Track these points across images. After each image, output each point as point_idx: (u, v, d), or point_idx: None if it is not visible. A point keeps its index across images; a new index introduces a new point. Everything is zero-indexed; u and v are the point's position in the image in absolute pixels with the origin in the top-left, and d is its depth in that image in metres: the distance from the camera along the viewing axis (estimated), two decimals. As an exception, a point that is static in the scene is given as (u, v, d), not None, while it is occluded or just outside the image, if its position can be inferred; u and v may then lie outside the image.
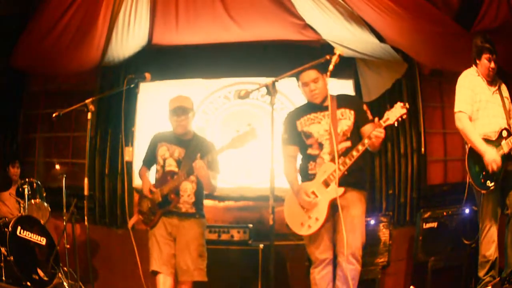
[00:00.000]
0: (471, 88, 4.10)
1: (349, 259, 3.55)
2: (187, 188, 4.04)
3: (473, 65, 4.20)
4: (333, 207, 3.59)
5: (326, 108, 3.71)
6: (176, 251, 3.99)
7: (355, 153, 3.55)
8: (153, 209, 4.05)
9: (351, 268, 3.56)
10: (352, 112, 3.74)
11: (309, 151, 3.76)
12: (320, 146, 3.70)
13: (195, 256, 3.97)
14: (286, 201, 3.82)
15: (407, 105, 3.52)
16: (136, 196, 5.47)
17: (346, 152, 3.61)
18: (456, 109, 4.14)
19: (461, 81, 4.19)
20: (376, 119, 3.58)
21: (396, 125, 3.55)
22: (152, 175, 4.26)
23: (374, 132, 3.49)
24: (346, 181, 3.60)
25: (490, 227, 4.00)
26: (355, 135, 3.71)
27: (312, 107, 3.77)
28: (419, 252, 4.86)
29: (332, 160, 3.60)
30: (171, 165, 4.07)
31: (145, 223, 4.11)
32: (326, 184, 3.60)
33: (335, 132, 3.63)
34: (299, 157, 3.89)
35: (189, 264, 3.95)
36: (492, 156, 3.93)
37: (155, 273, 3.97)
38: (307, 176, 3.75)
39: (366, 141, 3.53)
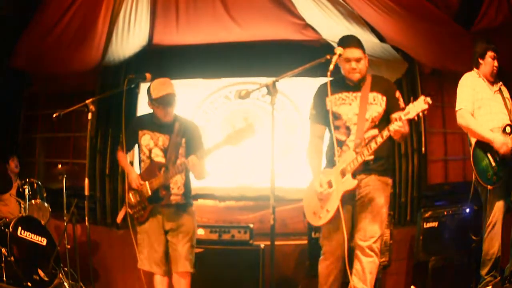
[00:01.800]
0: (472, 87, 4.14)
1: (367, 252, 3.44)
2: (177, 181, 3.91)
3: (474, 68, 4.23)
4: (349, 198, 3.46)
5: (358, 89, 3.56)
6: (169, 243, 3.91)
7: (373, 145, 3.37)
8: (143, 204, 3.91)
9: (369, 260, 3.45)
10: (384, 98, 3.56)
11: (336, 134, 3.56)
12: (348, 130, 3.53)
13: (188, 247, 3.89)
14: (308, 187, 3.66)
15: (429, 100, 3.26)
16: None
17: (372, 141, 3.43)
18: (457, 107, 4.16)
19: (463, 82, 4.23)
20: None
21: (416, 119, 3.34)
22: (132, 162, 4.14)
23: (393, 126, 3.30)
24: (369, 167, 3.47)
25: (495, 224, 4.01)
26: (384, 123, 3.52)
27: (345, 85, 3.55)
28: (420, 252, 4.85)
29: (355, 148, 3.45)
30: (158, 155, 3.91)
31: (135, 218, 3.96)
32: (343, 174, 3.46)
33: (363, 118, 3.48)
34: (326, 139, 3.71)
35: (181, 254, 3.86)
36: (501, 140, 3.95)
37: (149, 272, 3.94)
38: (332, 162, 3.57)
39: (385, 133, 3.35)
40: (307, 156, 3.70)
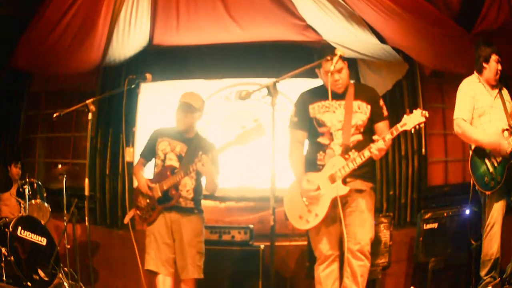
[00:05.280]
0: (472, 95, 4.13)
1: (358, 255, 3.47)
2: (187, 184, 4.01)
3: (475, 72, 4.22)
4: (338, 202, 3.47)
5: (342, 97, 3.59)
6: (175, 248, 3.97)
7: (366, 153, 3.42)
8: (152, 205, 4.02)
9: (359, 264, 3.48)
10: (369, 106, 3.61)
11: (320, 139, 3.62)
12: (331, 136, 3.58)
13: (194, 253, 3.95)
14: (288, 190, 3.70)
15: (426, 114, 3.37)
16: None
17: (357, 146, 3.50)
18: (455, 115, 4.16)
19: (462, 88, 4.22)
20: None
21: (412, 132, 3.41)
22: (148, 169, 4.24)
23: (388, 136, 3.38)
24: (355, 173, 3.50)
25: (493, 226, 4.02)
26: (368, 130, 3.61)
27: (328, 93, 3.49)
28: (420, 253, 4.85)
29: (343, 153, 3.49)
30: (172, 159, 4.04)
31: (143, 219, 4.07)
32: (332, 179, 3.49)
33: (348, 124, 3.52)
34: (306, 144, 3.76)
35: (187, 261, 3.92)
36: (497, 142, 3.94)
37: (153, 273, 3.97)
38: (315, 166, 3.61)
39: (388, 136, 3.38)
40: (289, 161, 3.74)
